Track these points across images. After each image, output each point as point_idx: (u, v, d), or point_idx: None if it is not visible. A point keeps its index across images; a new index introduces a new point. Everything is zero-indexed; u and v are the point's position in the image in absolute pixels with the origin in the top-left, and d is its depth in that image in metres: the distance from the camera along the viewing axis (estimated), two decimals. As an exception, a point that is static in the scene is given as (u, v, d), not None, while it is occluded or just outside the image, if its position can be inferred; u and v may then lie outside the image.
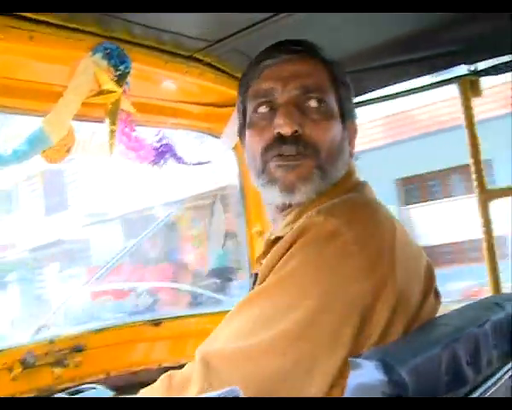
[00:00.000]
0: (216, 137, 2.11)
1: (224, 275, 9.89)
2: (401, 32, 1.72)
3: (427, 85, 2.02)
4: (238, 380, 0.95)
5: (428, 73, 1.90)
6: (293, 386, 0.97)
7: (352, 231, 1.03)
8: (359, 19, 1.57)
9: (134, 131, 1.64)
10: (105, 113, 1.55)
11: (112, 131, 1.55)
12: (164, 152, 1.79)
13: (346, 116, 1.31)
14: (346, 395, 0.79)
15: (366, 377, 0.77)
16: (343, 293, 1.00)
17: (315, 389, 0.97)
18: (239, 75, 1.46)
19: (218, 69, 1.84)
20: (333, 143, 1.25)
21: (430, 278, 1.21)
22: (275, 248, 1.13)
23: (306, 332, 0.98)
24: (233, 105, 1.48)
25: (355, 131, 1.37)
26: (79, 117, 1.55)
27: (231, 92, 1.82)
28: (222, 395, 0.60)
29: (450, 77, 1.95)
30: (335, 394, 1.00)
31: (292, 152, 1.21)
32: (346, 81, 1.33)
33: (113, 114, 1.55)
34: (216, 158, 2.06)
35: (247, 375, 0.97)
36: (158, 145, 1.77)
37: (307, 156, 1.22)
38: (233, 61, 1.79)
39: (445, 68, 1.86)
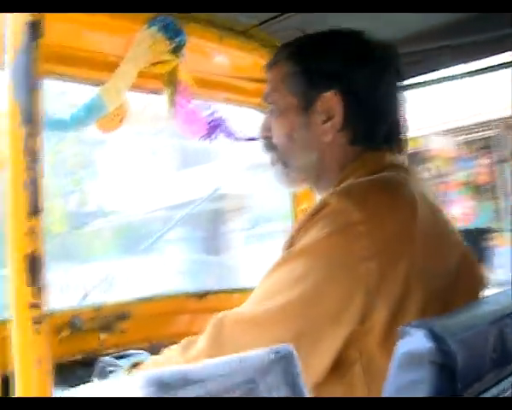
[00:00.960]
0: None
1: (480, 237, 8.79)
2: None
3: (486, 68, 1.97)
4: (246, 343, 1.02)
5: (491, 55, 1.86)
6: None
7: (360, 213, 1.05)
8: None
9: (190, 103, 1.67)
10: (163, 83, 1.57)
11: (171, 101, 1.58)
12: (216, 126, 1.80)
13: (309, 98, 1.29)
14: (394, 362, 0.80)
15: (415, 344, 0.78)
16: (348, 270, 1.03)
17: (318, 359, 1.03)
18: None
19: (272, 46, 1.84)
20: (286, 135, 1.33)
21: (468, 264, 1.23)
22: (292, 228, 1.18)
23: (311, 304, 1.03)
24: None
25: (334, 102, 1.26)
26: (135, 88, 1.58)
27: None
28: (274, 350, 0.62)
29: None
30: (343, 367, 1.05)
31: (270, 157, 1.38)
32: (310, 65, 1.31)
33: (172, 83, 1.58)
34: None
35: (253, 340, 1.04)
36: (210, 119, 1.79)
37: (276, 156, 1.37)
38: (287, 38, 1.78)
39: (507, 50, 1.81)
